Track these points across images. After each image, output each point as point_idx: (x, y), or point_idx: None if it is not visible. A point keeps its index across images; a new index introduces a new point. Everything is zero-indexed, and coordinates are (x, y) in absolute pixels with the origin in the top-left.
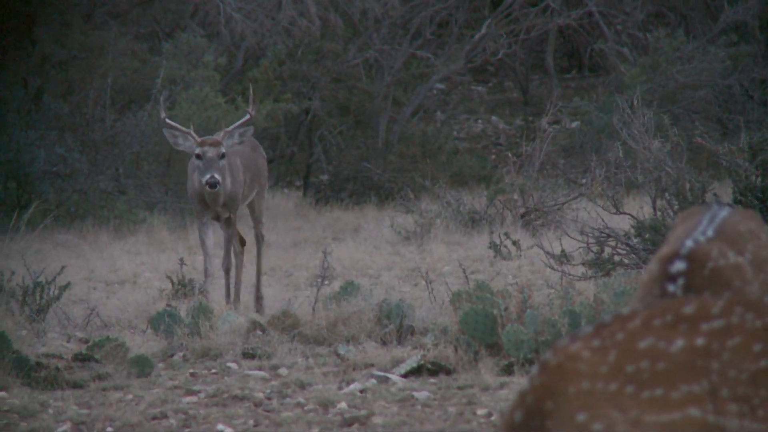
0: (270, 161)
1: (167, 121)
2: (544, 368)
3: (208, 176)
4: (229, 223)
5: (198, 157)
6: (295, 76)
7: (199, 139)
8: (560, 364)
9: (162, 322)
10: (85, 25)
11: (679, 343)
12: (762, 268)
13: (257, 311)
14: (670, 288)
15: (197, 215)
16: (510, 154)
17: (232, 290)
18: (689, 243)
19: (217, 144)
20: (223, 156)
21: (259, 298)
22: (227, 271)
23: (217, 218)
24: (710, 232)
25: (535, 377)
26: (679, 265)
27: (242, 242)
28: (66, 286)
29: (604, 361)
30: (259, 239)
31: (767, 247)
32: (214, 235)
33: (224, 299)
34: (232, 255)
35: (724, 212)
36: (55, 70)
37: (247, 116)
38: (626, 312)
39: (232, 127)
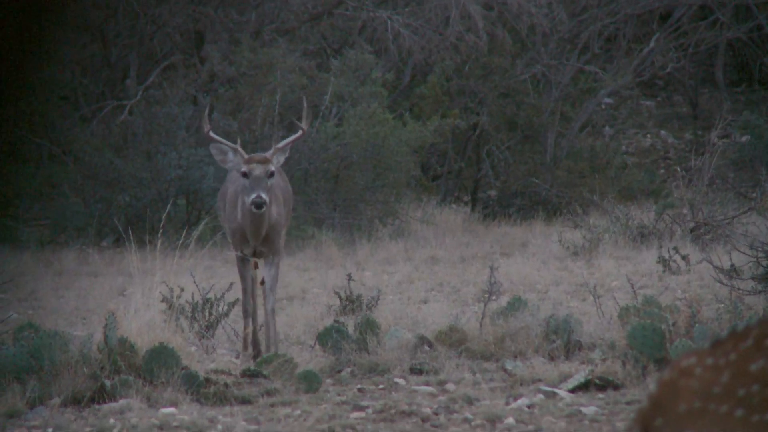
0: (438, 177)
1: (211, 135)
2: (659, 383)
3: (253, 195)
4: (272, 265)
5: (244, 175)
6: (463, 91)
7: (246, 156)
8: (673, 380)
9: (330, 338)
10: (253, 42)
11: None
12: None
13: (255, 357)
14: None
15: (236, 248)
16: (679, 168)
17: (271, 336)
18: None
19: (265, 161)
20: (272, 175)
21: (256, 345)
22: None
23: (256, 255)
24: None
25: (651, 392)
26: None
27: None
28: (235, 303)
29: (716, 381)
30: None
31: None
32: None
33: (245, 347)
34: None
35: None
36: (224, 88)
37: (300, 132)
38: (741, 329)
39: (283, 143)
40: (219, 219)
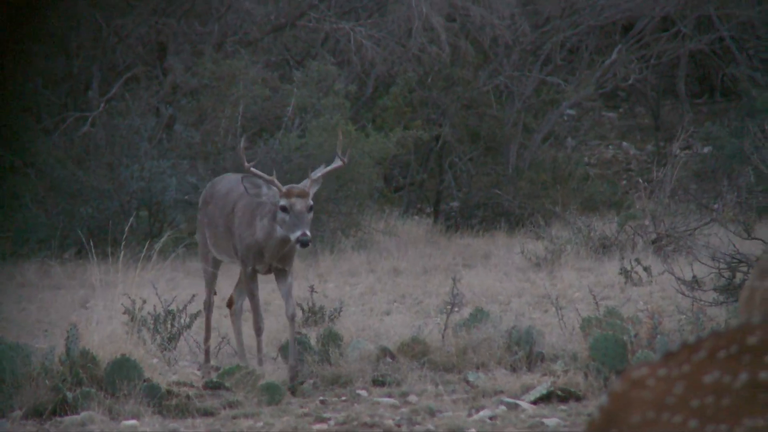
0: (400, 188)
1: (252, 169)
2: (611, 395)
3: (299, 233)
4: (285, 275)
5: (284, 209)
6: (425, 103)
7: (284, 189)
8: (625, 391)
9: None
10: (216, 53)
11: (743, 377)
12: None
13: None
14: None
15: (249, 264)
16: (641, 180)
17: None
18: None
19: (305, 195)
20: (311, 209)
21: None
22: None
23: (269, 271)
24: None
25: (602, 404)
26: None
27: (230, 303)
28: (197, 315)
29: (670, 391)
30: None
31: None
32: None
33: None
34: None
35: None
36: (187, 99)
37: (339, 163)
38: (693, 341)
39: (318, 173)
40: (200, 232)
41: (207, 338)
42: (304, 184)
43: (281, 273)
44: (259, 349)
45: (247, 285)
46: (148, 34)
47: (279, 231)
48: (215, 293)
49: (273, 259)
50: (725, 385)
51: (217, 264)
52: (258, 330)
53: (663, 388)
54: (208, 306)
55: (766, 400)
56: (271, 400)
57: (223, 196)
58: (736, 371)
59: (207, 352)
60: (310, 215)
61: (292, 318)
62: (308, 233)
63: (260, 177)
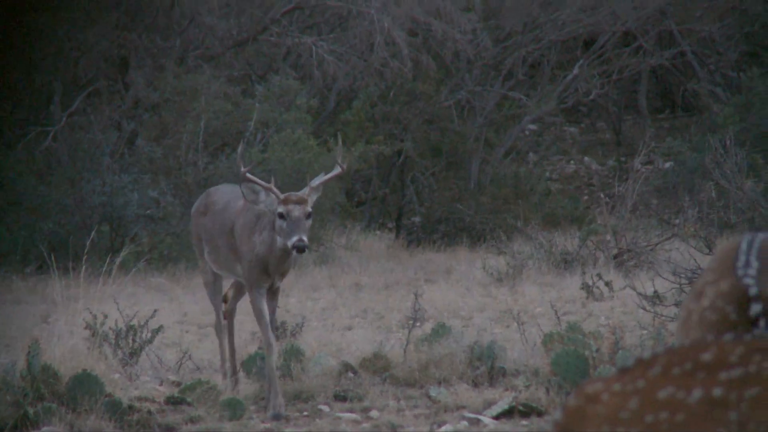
0: (362, 203)
1: (248, 176)
2: (564, 410)
3: (295, 238)
4: (276, 293)
5: (281, 216)
6: (388, 117)
7: (282, 196)
8: (580, 406)
9: (254, 365)
10: (178, 68)
11: (697, 393)
12: None
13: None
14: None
15: (255, 283)
16: (602, 195)
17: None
18: (748, 281)
19: (303, 202)
20: (309, 216)
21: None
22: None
23: (270, 287)
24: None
25: (556, 420)
26: (756, 308)
27: (224, 299)
28: (158, 330)
29: (624, 406)
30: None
31: None
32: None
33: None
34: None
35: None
36: (149, 114)
37: (339, 170)
38: (648, 357)
39: (318, 181)
40: (196, 245)
41: (223, 363)
42: (304, 191)
43: (272, 292)
44: (271, 367)
45: (255, 305)
46: (110, 48)
47: (279, 241)
48: (225, 312)
49: (276, 272)
50: (680, 401)
51: (217, 279)
52: (270, 348)
53: (618, 403)
54: (220, 328)
55: (719, 417)
56: (233, 416)
57: (220, 211)
58: (690, 387)
59: (233, 370)
60: (309, 222)
61: (269, 347)
62: (305, 239)
63: (258, 184)
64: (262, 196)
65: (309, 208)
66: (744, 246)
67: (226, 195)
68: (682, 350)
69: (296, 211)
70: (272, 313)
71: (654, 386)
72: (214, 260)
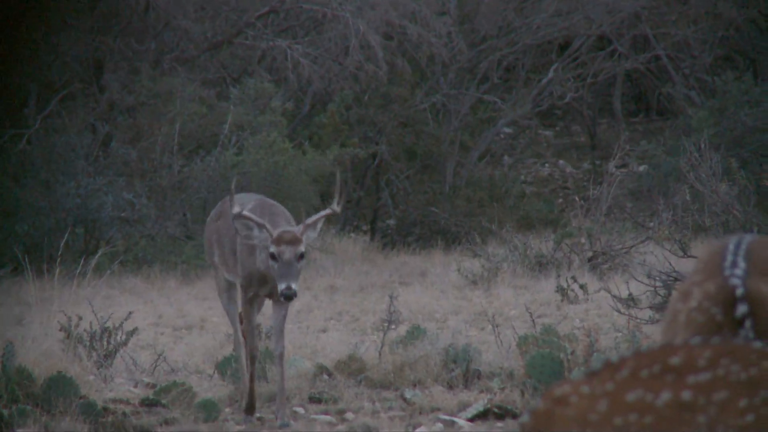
0: None
1: (244, 213)
2: (533, 414)
3: (283, 286)
4: (282, 306)
5: (272, 257)
6: (362, 120)
7: (275, 234)
8: (548, 409)
9: (229, 367)
10: (153, 71)
11: (666, 396)
12: None
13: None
14: (741, 333)
15: (247, 291)
16: (577, 198)
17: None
18: (735, 281)
19: (296, 242)
20: (302, 256)
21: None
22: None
23: (270, 295)
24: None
25: (523, 423)
26: (742, 309)
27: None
28: (133, 332)
29: (593, 409)
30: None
31: None
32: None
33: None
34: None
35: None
36: (123, 117)
37: (329, 211)
38: (616, 360)
39: (312, 219)
40: (208, 254)
41: (244, 384)
42: (298, 229)
43: (278, 301)
44: (251, 379)
45: (245, 309)
46: (85, 51)
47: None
48: (243, 332)
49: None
50: (648, 404)
51: (231, 286)
52: (253, 358)
53: (586, 406)
54: (237, 345)
55: (688, 420)
56: (208, 417)
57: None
58: (658, 390)
59: (251, 395)
60: (301, 264)
61: (280, 356)
62: (293, 286)
63: (251, 220)
64: (256, 231)
65: (302, 248)
66: (731, 247)
67: (241, 201)
68: (651, 353)
69: (287, 253)
70: (281, 322)
71: (622, 389)
72: (223, 263)
